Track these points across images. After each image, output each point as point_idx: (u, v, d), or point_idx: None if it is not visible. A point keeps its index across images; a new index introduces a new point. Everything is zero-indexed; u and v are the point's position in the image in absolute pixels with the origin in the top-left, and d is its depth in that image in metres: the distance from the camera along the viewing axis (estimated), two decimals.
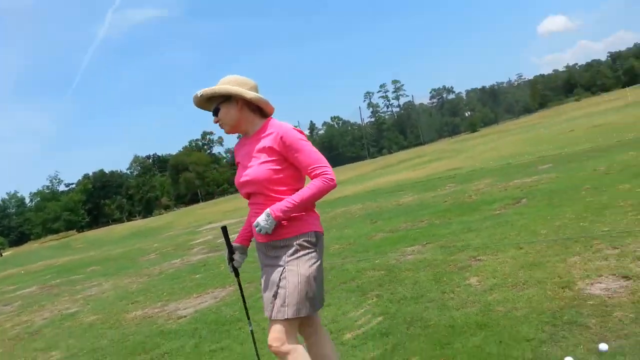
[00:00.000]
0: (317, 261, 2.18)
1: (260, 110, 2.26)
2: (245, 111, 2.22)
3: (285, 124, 2.21)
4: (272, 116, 2.31)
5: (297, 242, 2.14)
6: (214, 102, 2.24)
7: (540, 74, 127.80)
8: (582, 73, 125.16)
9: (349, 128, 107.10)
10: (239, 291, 2.47)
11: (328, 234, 8.68)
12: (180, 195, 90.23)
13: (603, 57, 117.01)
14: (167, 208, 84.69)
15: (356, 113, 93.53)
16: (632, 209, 4.83)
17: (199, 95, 2.19)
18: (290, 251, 2.13)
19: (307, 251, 2.15)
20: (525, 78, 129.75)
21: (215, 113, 2.23)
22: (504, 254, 4.47)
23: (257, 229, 2.10)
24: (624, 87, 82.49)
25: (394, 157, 56.18)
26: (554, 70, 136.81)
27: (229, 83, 2.21)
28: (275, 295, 2.11)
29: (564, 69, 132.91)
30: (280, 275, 2.11)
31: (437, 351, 2.83)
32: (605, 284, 3.17)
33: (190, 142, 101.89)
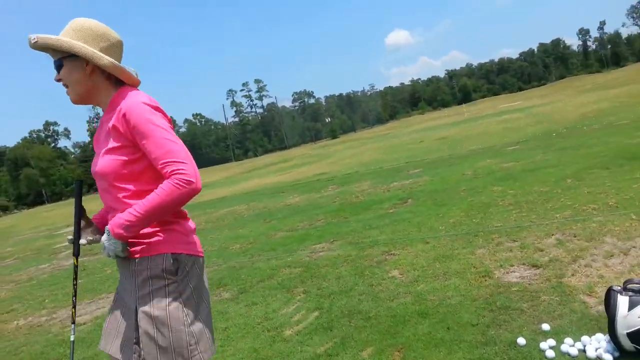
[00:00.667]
0: (178, 297, 1.56)
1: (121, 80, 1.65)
2: (97, 77, 1.59)
3: (136, 95, 1.57)
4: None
5: (149, 269, 1.55)
6: (58, 53, 1.57)
7: (389, 86, 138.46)
8: (424, 87, 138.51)
9: (212, 127, 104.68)
10: (73, 281, 1.76)
11: (220, 233, 8.43)
12: (22, 195, 79.40)
13: (441, 74, 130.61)
14: (5, 210, 73.59)
15: (219, 111, 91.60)
16: (513, 207, 5.52)
17: (31, 42, 1.51)
18: (139, 280, 1.55)
19: (161, 284, 1.55)
20: (376, 89, 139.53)
21: (58, 69, 1.58)
22: (414, 248, 4.79)
23: (104, 252, 1.54)
24: (459, 103, 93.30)
25: (260, 160, 56.42)
26: (400, 83, 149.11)
27: (79, 32, 1.55)
28: (137, 353, 1.53)
29: (409, 83, 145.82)
30: (134, 323, 1.54)
31: (389, 341, 2.94)
32: (519, 272, 3.59)
33: (30, 133, 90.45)
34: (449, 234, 5.02)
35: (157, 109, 1.56)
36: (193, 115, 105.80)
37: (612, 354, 2.25)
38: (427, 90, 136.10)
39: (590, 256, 3.52)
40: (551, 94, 52.75)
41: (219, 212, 11.65)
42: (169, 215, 1.58)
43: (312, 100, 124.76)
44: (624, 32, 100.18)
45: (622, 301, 2.24)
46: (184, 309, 1.56)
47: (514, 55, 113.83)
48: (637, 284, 2.30)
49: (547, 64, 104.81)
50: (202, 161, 79.30)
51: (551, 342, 2.46)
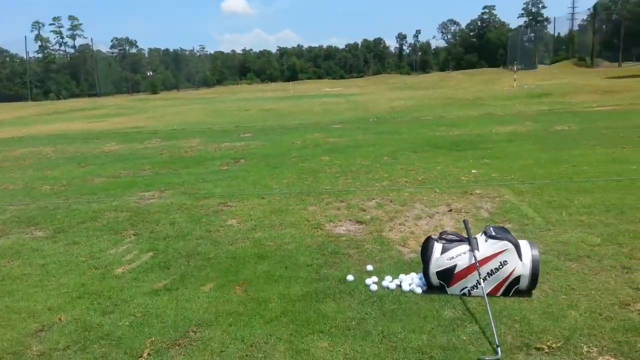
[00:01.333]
0: None
1: None
2: None
3: None
4: None
5: None
6: None
7: (220, 51, 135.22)
8: (255, 59, 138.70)
9: (8, 59, 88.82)
10: None
11: (23, 173, 7.45)
12: None
13: (273, 50, 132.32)
14: None
15: (19, 42, 78.03)
16: (340, 175, 6.06)
17: None
18: None
19: None
20: (207, 51, 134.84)
21: None
22: (250, 202, 4.95)
23: None
24: (287, 80, 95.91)
25: (64, 104, 50.07)
26: (232, 50, 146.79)
27: None
28: None
29: (241, 52, 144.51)
30: None
31: (230, 277, 3.06)
32: (346, 226, 4.01)
33: None
34: (283, 192, 5.29)
35: None
36: None
37: (422, 288, 2.73)
38: (258, 62, 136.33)
39: (404, 217, 4.12)
40: (368, 85, 57.71)
41: (19, 151, 10.16)
42: None
43: (133, 50, 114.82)
44: (434, 43, 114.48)
45: (437, 247, 2.73)
46: None
47: (341, 45, 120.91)
48: (450, 234, 2.82)
49: (367, 59, 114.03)
50: None
51: (374, 279, 2.87)
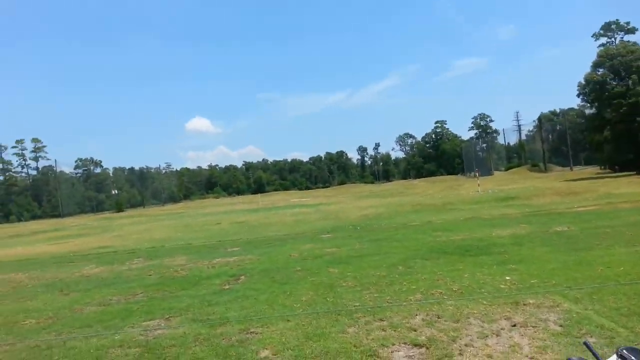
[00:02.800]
0: None
1: None
2: None
3: None
4: None
5: None
6: None
7: (186, 167, 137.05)
8: (221, 175, 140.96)
9: None
10: None
11: None
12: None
13: (239, 164, 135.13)
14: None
15: None
16: (360, 288, 5.56)
17: None
18: None
19: None
20: (173, 168, 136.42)
21: None
22: (275, 326, 4.36)
23: None
24: (254, 193, 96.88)
25: (25, 226, 48.40)
26: (198, 167, 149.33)
27: None
28: None
29: (207, 167, 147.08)
30: None
31: None
32: (404, 351, 3.48)
33: None
34: (307, 312, 4.73)
35: None
36: None
37: None
38: (224, 177, 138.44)
39: (466, 336, 3.64)
40: (334, 195, 58.62)
41: None
42: None
43: (98, 170, 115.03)
44: (393, 154, 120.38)
45: None
46: None
47: (305, 158, 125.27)
48: None
49: (332, 170, 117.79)
50: None
51: None
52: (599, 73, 49.77)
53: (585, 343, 2.42)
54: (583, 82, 51.71)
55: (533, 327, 3.66)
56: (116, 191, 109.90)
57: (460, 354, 3.30)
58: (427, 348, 3.47)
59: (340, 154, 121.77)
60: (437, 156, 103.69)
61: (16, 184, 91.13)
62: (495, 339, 3.53)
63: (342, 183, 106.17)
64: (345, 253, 8.57)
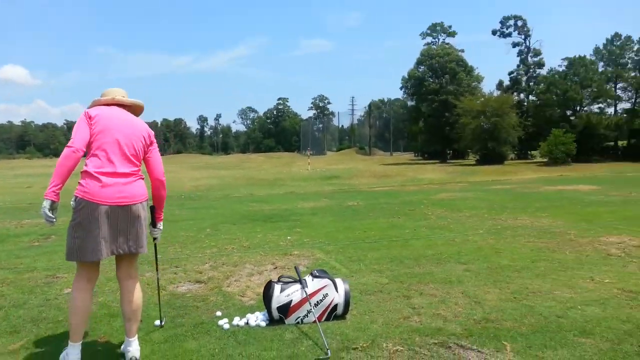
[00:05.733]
0: (73, 221, 2.66)
1: None
2: None
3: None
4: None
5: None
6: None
7: None
8: (37, 133, 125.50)
9: None
10: None
11: None
12: None
13: (59, 123, 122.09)
14: None
15: None
16: (167, 245, 6.42)
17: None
18: None
19: (73, 209, 2.66)
20: None
21: None
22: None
23: None
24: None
25: None
26: (8, 121, 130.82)
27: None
28: None
29: (20, 123, 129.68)
30: None
31: (90, 334, 3.28)
32: (187, 287, 4.47)
33: None
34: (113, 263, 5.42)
35: (84, 113, 2.77)
36: None
37: (265, 322, 3.41)
38: (40, 135, 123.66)
39: (238, 275, 4.78)
40: (169, 164, 57.14)
41: None
42: (63, 172, 2.60)
43: None
44: (234, 127, 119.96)
45: (277, 287, 3.46)
46: (74, 227, 2.66)
47: None
48: (286, 277, 3.59)
49: (168, 138, 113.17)
50: None
51: (225, 320, 3.44)
52: (420, 70, 56.52)
53: (295, 267, 3.68)
54: (406, 77, 58.18)
55: (287, 269, 4.95)
56: None
57: (228, 286, 4.41)
58: (205, 283, 4.52)
59: (179, 121, 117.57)
60: (276, 132, 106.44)
61: None
62: (257, 276, 4.74)
63: (178, 152, 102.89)
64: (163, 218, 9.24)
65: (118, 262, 2.96)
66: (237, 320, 3.44)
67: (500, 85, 54.39)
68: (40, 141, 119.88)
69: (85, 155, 2.72)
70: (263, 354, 2.89)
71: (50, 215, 2.62)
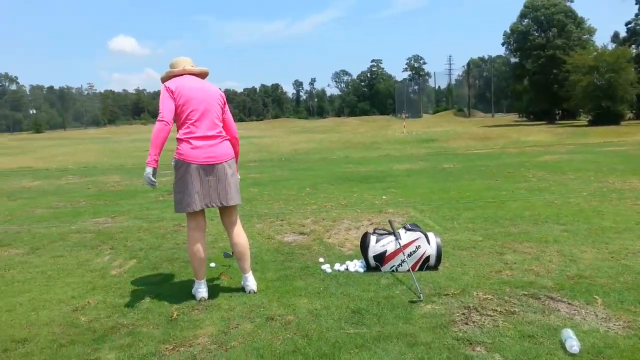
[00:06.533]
0: (177, 177, 3.19)
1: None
2: None
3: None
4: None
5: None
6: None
7: (111, 90, 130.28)
8: (149, 100, 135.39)
9: None
10: None
11: None
12: None
13: None
14: None
15: None
16: (272, 202, 7.00)
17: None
18: None
19: (174, 170, 3.20)
20: (96, 90, 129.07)
21: None
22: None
23: None
24: None
25: None
26: (123, 90, 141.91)
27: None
28: None
29: (134, 92, 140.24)
30: None
31: (214, 273, 3.85)
32: (292, 237, 4.96)
33: None
34: None
35: (165, 87, 3.19)
36: None
37: (363, 268, 3.77)
38: (153, 102, 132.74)
39: (337, 229, 5.18)
40: (268, 129, 59.46)
41: None
42: (158, 141, 3.09)
43: (14, 87, 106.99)
44: (328, 91, 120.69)
45: (373, 238, 3.79)
46: (177, 182, 3.18)
47: (239, 89, 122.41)
48: (380, 229, 3.91)
49: (266, 103, 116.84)
50: None
51: (327, 265, 3.85)
52: (524, 23, 52.37)
53: (389, 221, 3.97)
54: (508, 32, 54.31)
55: (383, 224, 5.26)
56: (34, 111, 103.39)
57: (329, 238, 4.82)
58: (308, 235, 4.98)
59: (276, 86, 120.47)
60: (371, 95, 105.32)
61: None
62: (355, 231, 5.10)
63: (276, 117, 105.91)
64: (267, 178, 9.97)
65: (221, 213, 3.43)
66: (337, 266, 3.83)
67: (615, 37, 49.01)
68: (153, 107, 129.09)
69: (175, 124, 3.18)
70: (362, 294, 3.25)
71: (153, 179, 3.09)
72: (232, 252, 3.52)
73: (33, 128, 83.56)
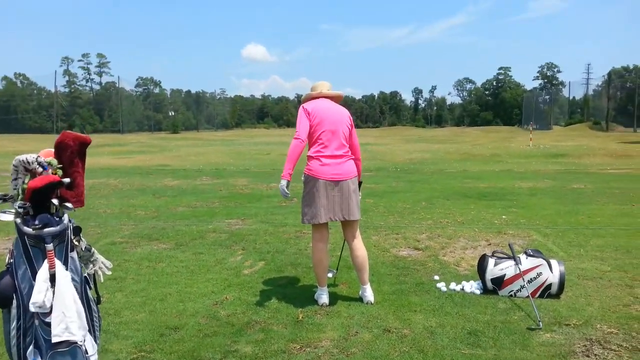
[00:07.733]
0: (306, 191, 3.52)
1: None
2: None
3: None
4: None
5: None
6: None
7: (240, 95, 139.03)
8: (273, 105, 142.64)
9: (36, 92, 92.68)
10: None
11: (107, 200, 8.65)
12: None
13: (291, 96, 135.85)
14: None
15: (49, 77, 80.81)
16: (387, 214, 7.18)
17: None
18: None
19: (303, 184, 3.54)
20: (227, 94, 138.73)
21: None
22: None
23: None
24: None
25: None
26: (251, 95, 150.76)
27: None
28: None
29: (260, 97, 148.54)
30: None
31: (334, 281, 4.14)
32: (407, 251, 5.09)
33: None
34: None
35: (302, 107, 3.54)
36: (15, 74, 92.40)
37: (479, 290, 3.79)
38: (276, 108, 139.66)
39: (452, 247, 5.21)
40: (383, 136, 59.47)
41: (89, 182, 11.46)
42: (293, 157, 3.46)
43: (157, 90, 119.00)
44: (449, 99, 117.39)
45: (491, 261, 3.81)
46: (306, 196, 3.51)
47: (357, 96, 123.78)
48: (499, 252, 3.90)
49: (383, 110, 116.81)
50: (13, 126, 68.91)
51: (443, 283, 3.93)
52: None
53: (509, 244, 3.95)
54: None
55: (502, 247, 5.17)
56: (173, 113, 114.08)
57: (444, 256, 4.87)
58: (423, 251, 5.07)
59: (394, 94, 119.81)
60: (495, 105, 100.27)
61: (80, 96, 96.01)
62: (472, 250, 5.08)
63: (392, 124, 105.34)
64: (382, 189, 10.15)
65: (343, 227, 3.73)
66: (453, 285, 3.90)
67: None
68: (275, 112, 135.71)
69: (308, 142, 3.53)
70: (478, 316, 3.30)
71: (287, 191, 3.45)
72: (337, 269, 4.08)
73: (171, 128, 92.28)
